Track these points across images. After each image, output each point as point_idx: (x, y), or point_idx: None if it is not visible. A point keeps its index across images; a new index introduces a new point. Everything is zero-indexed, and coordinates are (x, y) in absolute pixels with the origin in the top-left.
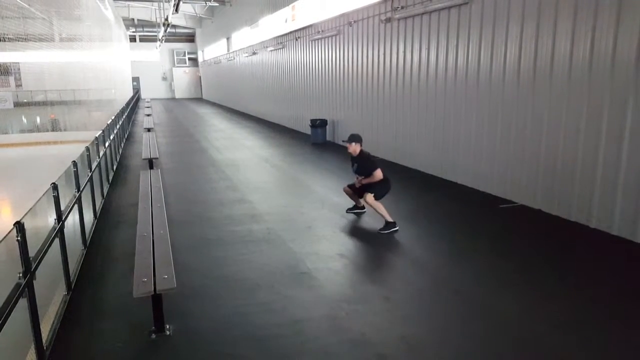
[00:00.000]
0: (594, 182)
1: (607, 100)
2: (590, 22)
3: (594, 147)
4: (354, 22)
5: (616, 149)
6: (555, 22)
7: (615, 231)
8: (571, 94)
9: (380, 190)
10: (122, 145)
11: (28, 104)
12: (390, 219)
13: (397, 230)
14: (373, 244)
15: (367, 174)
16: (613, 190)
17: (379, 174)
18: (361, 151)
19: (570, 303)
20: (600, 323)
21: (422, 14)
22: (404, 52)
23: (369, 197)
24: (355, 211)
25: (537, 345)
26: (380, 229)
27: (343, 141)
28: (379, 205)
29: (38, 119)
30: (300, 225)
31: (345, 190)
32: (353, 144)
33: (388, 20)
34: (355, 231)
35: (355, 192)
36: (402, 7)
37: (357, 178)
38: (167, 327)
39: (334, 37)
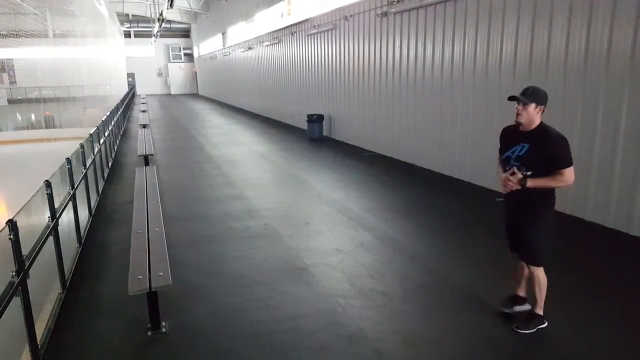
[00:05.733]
0: (589, 175)
1: (603, 94)
2: (585, 16)
3: (590, 140)
4: (350, 16)
5: (611, 142)
6: (551, 15)
7: (610, 224)
8: (566, 88)
9: (547, 236)
10: (118, 141)
11: (22, 101)
12: (541, 311)
13: (544, 326)
14: (369, 239)
15: (543, 168)
16: (608, 183)
17: (571, 175)
18: (542, 124)
19: (566, 297)
20: (599, 317)
21: (418, 7)
22: (400, 46)
23: (540, 272)
24: (514, 309)
25: (535, 337)
26: (518, 325)
27: (511, 98)
28: (544, 285)
29: (33, 116)
30: (297, 221)
31: (515, 271)
32: (533, 105)
33: (384, 14)
34: (352, 226)
35: (512, 240)
36: (398, 1)
37: (514, 171)
38: (163, 324)
39: (330, 32)
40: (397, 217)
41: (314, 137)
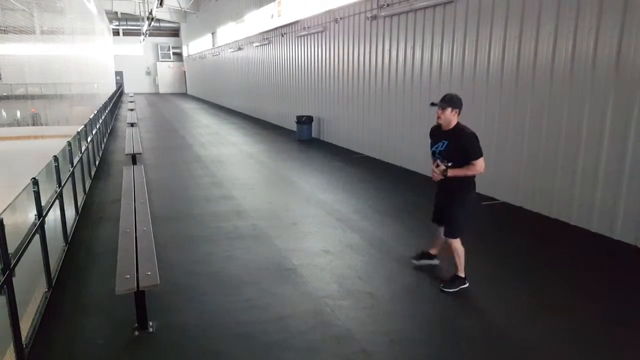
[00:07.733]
0: (574, 180)
1: (588, 100)
2: (572, 24)
3: (575, 145)
4: (340, 19)
5: (596, 148)
6: (538, 22)
7: (594, 228)
8: (553, 94)
9: (467, 215)
10: (105, 140)
11: (8, 98)
12: (462, 273)
13: (466, 286)
14: (358, 241)
15: (459, 160)
16: (592, 188)
17: (481, 165)
18: (458, 124)
19: (552, 298)
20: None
21: (408, 11)
22: (390, 49)
23: (457, 243)
24: (427, 262)
25: (521, 337)
26: (444, 285)
27: (432, 104)
28: (461, 253)
29: (18, 113)
30: (285, 222)
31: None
32: (449, 109)
33: (374, 17)
34: (341, 227)
35: (436, 211)
36: (388, 5)
37: (437, 164)
38: (151, 324)
39: (320, 34)
40: (385, 219)
41: (303, 138)
